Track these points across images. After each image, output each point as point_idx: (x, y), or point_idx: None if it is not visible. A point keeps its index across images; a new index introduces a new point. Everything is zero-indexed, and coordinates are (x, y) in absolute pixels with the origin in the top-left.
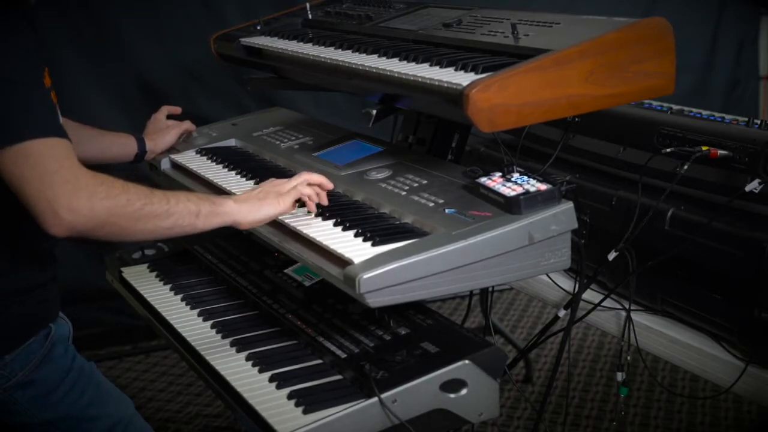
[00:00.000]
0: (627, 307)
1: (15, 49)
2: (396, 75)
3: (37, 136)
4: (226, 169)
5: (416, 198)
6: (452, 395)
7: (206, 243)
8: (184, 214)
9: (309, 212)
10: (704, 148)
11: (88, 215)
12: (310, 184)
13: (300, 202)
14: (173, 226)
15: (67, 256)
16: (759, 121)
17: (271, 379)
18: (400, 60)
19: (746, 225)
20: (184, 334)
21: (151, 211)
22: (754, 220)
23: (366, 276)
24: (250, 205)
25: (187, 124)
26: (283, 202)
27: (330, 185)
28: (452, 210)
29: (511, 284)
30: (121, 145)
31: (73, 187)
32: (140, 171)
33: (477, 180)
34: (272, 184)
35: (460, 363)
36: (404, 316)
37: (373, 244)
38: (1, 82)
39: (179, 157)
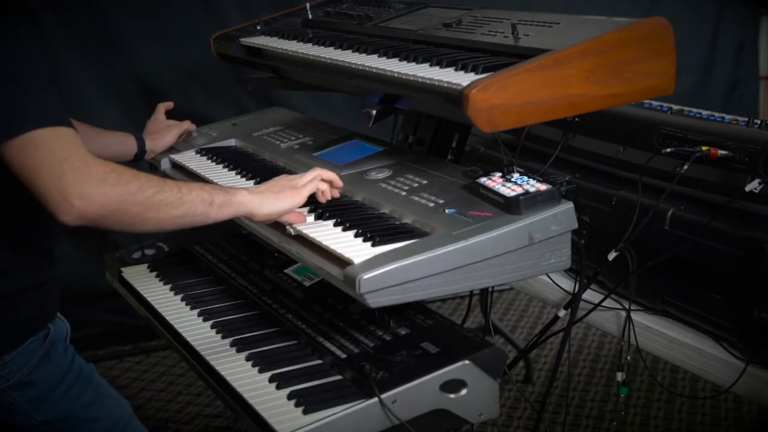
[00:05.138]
0: (627, 307)
1: (21, 47)
2: (396, 75)
3: (44, 125)
4: (226, 169)
5: (416, 198)
6: (452, 395)
7: (206, 243)
8: (197, 202)
9: (319, 204)
10: (704, 148)
11: (98, 202)
12: (323, 180)
13: (310, 197)
14: (185, 214)
15: (67, 256)
16: (759, 121)
17: (271, 379)
18: (400, 60)
19: (746, 225)
20: (184, 335)
21: (162, 199)
22: (754, 220)
23: (366, 276)
24: (265, 197)
25: (187, 124)
26: (299, 196)
27: (340, 183)
28: (452, 210)
29: (511, 284)
30: (120, 144)
31: (83, 174)
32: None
33: (477, 180)
34: (287, 179)
35: (460, 363)
36: (404, 316)
37: (374, 245)
38: (8, 78)
39: (179, 157)
